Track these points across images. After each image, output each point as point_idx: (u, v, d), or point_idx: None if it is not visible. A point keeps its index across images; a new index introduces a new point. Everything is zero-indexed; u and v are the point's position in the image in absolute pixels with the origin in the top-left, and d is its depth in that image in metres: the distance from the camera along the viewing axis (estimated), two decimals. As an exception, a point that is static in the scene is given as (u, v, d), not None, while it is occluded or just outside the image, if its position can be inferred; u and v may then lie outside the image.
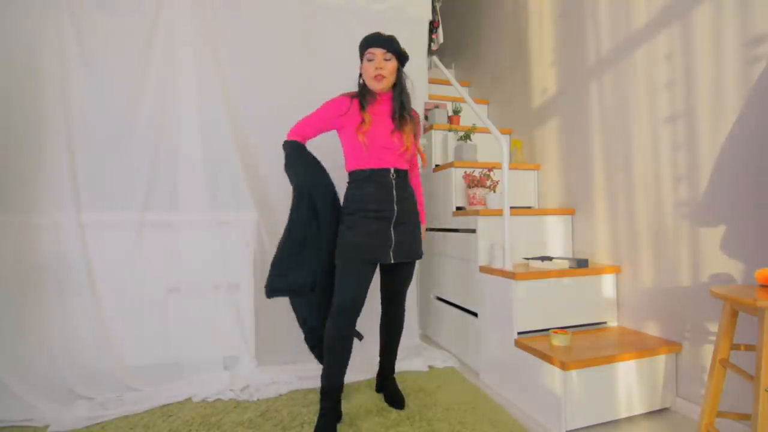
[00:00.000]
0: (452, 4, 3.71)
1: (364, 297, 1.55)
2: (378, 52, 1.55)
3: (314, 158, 1.63)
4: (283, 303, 2.23)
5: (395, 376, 1.86)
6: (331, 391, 1.54)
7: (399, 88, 1.62)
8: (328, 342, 1.53)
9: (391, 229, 1.57)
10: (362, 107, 1.58)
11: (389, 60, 1.57)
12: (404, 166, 1.64)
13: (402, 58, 1.61)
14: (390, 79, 1.59)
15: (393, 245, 1.57)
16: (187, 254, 2.02)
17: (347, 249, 1.53)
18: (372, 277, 1.57)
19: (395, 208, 1.58)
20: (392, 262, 1.57)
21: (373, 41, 1.56)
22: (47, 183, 1.86)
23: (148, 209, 1.99)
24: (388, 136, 1.58)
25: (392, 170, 1.59)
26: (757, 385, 1.08)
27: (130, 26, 1.99)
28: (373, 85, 1.57)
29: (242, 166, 2.13)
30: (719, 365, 1.26)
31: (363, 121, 1.55)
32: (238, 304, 2.10)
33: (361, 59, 1.61)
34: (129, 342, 1.93)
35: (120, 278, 1.94)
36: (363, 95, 1.61)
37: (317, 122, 1.62)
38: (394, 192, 1.58)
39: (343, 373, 1.56)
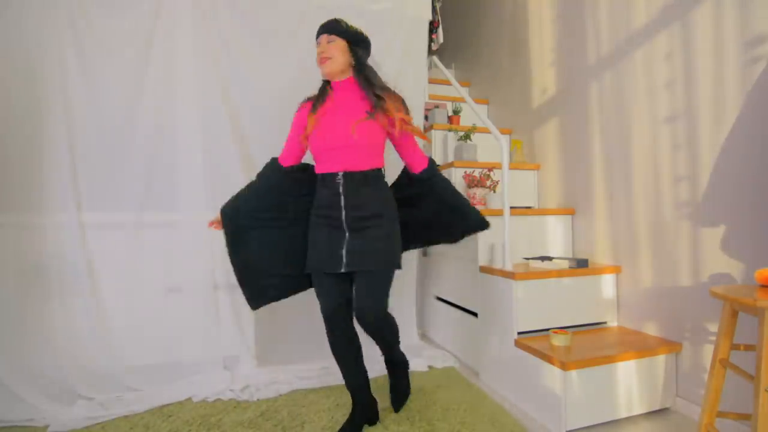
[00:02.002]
0: (452, 4, 3.71)
1: (341, 302, 1.51)
2: (322, 39, 1.51)
3: (259, 185, 1.67)
4: (284, 303, 2.24)
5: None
6: (351, 391, 1.57)
7: (358, 67, 1.51)
8: (330, 346, 1.55)
9: (345, 237, 1.48)
10: (312, 109, 1.52)
11: (333, 41, 1.49)
12: (362, 167, 1.47)
13: (350, 35, 1.51)
14: (339, 60, 1.48)
15: (345, 254, 1.45)
16: (187, 254, 2.02)
17: (307, 259, 1.54)
18: (341, 283, 1.52)
19: (343, 215, 1.47)
20: (343, 271, 1.45)
21: (317, 33, 1.54)
22: (48, 183, 1.86)
23: (148, 209, 2.00)
24: (342, 133, 1.45)
25: (339, 174, 1.47)
26: (757, 385, 1.08)
27: (129, 26, 1.98)
28: (321, 71, 1.52)
29: (242, 166, 2.13)
30: (719, 365, 1.26)
31: (306, 125, 1.51)
32: (238, 304, 2.09)
33: None
34: (129, 342, 1.93)
35: (120, 278, 1.94)
36: (318, 96, 1.55)
37: (293, 138, 1.60)
38: (342, 198, 1.47)
39: (352, 373, 1.56)
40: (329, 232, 1.49)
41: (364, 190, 1.48)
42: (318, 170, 1.55)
